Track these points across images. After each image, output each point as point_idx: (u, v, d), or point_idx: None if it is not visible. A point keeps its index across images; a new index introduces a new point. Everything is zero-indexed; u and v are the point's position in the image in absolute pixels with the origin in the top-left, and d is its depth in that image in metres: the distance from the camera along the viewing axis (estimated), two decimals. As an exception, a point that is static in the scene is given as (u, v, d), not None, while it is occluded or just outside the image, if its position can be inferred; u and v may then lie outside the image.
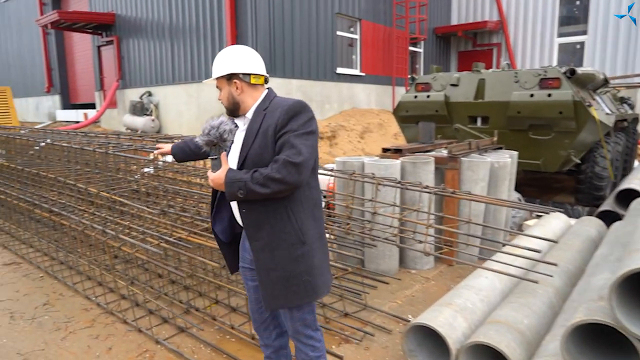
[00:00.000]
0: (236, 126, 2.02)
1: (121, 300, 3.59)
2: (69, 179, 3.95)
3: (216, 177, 1.84)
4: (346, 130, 10.35)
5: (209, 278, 3.44)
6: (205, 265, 4.05)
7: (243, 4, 10.03)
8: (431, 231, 3.58)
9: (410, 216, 4.04)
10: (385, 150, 4.71)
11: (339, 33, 12.03)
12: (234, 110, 1.97)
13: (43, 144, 5.20)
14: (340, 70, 12.08)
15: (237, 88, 1.94)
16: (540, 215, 5.66)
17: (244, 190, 1.77)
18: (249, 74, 1.95)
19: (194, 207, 3.99)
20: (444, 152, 4.78)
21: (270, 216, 1.88)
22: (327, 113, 11.61)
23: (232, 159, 1.94)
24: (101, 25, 14.13)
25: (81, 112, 15.84)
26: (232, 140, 1.94)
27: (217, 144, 1.84)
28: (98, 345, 2.98)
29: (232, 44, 10.25)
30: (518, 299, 2.78)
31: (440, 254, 3.36)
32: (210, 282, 3.47)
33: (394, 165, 4.02)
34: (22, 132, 6.67)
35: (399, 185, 3.26)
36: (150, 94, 12.93)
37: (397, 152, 4.61)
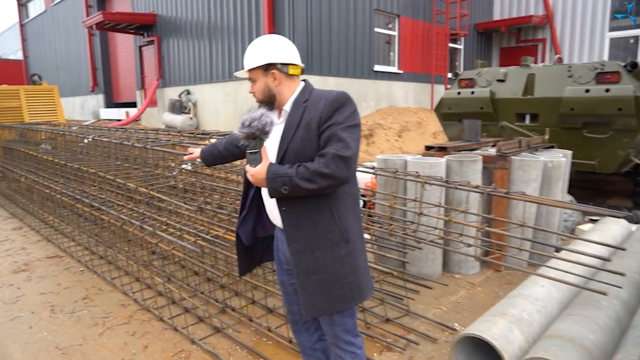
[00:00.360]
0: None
1: (158, 297, 3.56)
2: (108, 174, 3.96)
3: (257, 172, 1.72)
4: (383, 128, 10.12)
5: (245, 277, 3.34)
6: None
7: (281, 2, 9.98)
8: (480, 234, 3.35)
9: (457, 218, 3.82)
10: (428, 148, 4.50)
11: (376, 30, 11.79)
12: (269, 103, 1.86)
13: (86, 140, 5.28)
14: (377, 67, 11.85)
15: (274, 79, 1.82)
16: (594, 220, 5.28)
17: (289, 185, 1.65)
18: (287, 64, 1.84)
19: (230, 204, 3.91)
20: (491, 151, 4.52)
21: (311, 214, 1.76)
22: (364, 111, 11.41)
23: (269, 153, 1.82)
24: (143, 26, 14.47)
25: (123, 110, 16.30)
26: (271, 131, 1.81)
27: (259, 136, 1.71)
28: (134, 342, 2.94)
29: (269, 42, 10.21)
30: (581, 311, 2.53)
31: (491, 258, 3.13)
32: (246, 281, 3.38)
33: (439, 164, 3.80)
34: (74, 128, 6.84)
35: (447, 184, 3.05)
36: (188, 93, 13.12)
37: (441, 150, 4.39)
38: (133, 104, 16.67)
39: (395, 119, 10.98)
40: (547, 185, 4.12)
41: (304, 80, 1.90)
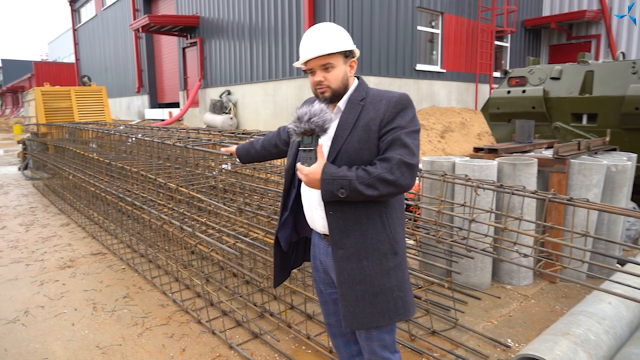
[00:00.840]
0: None
1: (196, 298, 3.52)
2: (150, 173, 3.97)
3: (312, 172, 1.58)
4: (425, 129, 9.82)
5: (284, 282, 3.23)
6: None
7: (322, 1, 9.89)
8: (536, 243, 3.10)
9: (511, 225, 3.57)
10: (477, 149, 4.25)
11: (419, 28, 11.48)
12: (340, 95, 1.68)
13: (130, 140, 5.37)
14: (419, 67, 11.54)
15: (352, 68, 1.70)
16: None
17: (347, 189, 1.53)
18: (356, 57, 1.74)
19: (270, 205, 3.83)
20: (546, 153, 4.22)
21: (361, 221, 1.64)
22: (404, 111, 11.12)
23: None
24: (186, 28, 14.79)
25: (166, 110, 16.73)
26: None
27: (316, 133, 1.56)
28: (172, 345, 2.90)
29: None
30: (657, 333, 2.26)
31: (550, 270, 2.88)
32: (285, 286, 3.27)
33: (490, 167, 3.56)
34: (120, 127, 7.01)
35: (502, 189, 2.83)
36: (229, 93, 13.27)
37: (492, 152, 4.13)
38: (176, 105, 17.08)
39: (438, 120, 10.65)
40: (609, 191, 3.79)
41: (357, 76, 1.77)
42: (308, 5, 9.98)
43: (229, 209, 3.07)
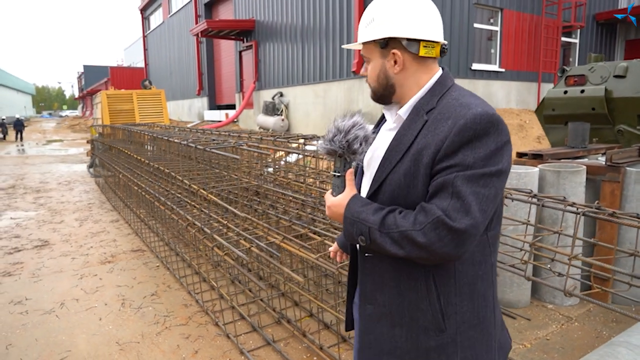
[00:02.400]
0: (379, 126, 1.35)
1: (219, 300, 3.53)
2: (178, 174, 4.06)
3: (334, 204, 1.23)
4: (479, 131, 9.33)
5: (298, 289, 3.16)
6: (305, 271, 3.81)
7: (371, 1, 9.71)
8: (578, 262, 2.79)
9: (549, 239, 3.26)
10: (520, 155, 3.93)
11: (476, 25, 10.95)
12: (384, 96, 1.26)
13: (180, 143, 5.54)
14: (476, 66, 11.00)
15: (395, 63, 1.21)
16: None
17: (367, 238, 1.14)
18: (418, 40, 1.18)
19: (296, 209, 3.77)
20: (602, 160, 3.81)
21: (401, 277, 1.21)
22: (458, 113, 10.67)
23: (365, 177, 1.30)
24: (243, 32, 15.19)
25: (223, 112, 17.29)
26: (365, 150, 1.23)
27: (343, 155, 1.21)
28: (187, 346, 2.92)
29: (360, 42, 10.04)
30: None
31: (588, 294, 2.58)
32: (301, 294, 3.20)
33: (530, 174, 3.27)
34: (175, 130, 7.30)
35: (533, 199, 2.56)
36: (281, 95, 13.45)
37: (537, 157, 3.80)
38: (233, 107, 17.61)
39: (494, 122, 10.08)
40: (674, 204, 3.34)
41: (443, 67, 1.26)
42: (358, 5, 9.85)
43: (239, 213, 3.04)
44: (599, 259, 3.03)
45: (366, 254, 1.26)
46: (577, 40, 13.53)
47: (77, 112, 61.03)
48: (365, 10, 1.26)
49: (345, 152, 1.19)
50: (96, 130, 11.92)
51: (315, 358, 2.75)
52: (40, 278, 4.12)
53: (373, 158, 1.26)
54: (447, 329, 1.19)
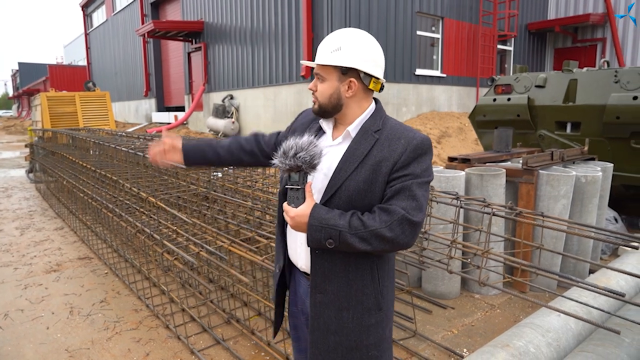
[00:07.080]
0: (318, 135, 1.55)
1: (170, 303, 3.63)
2: (127, 182, 4.10)
3: (298, 214, 1.37)
4: (422, 134, 9.84)
5: (247, 290, 3.33)
6: (253, 272, 3.97)
7: (319, 6, 9.98)
8: (498, 257, 3.15)
9: (473, 236, 3.62)
10: (451, 159, 4.30)
11: (419, 33, 11.51)
12: (329, 112, 1.48)
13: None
14: (419, 71, 11.56)
15: (349, 88, 1.44)
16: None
17: (336, 240, 1.34)
18: (371, 76, 1.45)
19: (244, 214, 3.93)
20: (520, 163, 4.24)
21: (349, 269, 1.46)
22: (404, 116, 11.17)
23: (314, 186, 1.47)
24: (191, 33, 15.02)
25: (172, 114, 16.99)
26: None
27: (304, 170, 1.37)
28: (138, 349, 3.01)
29: (308, 47, 10.26)
30: (596, 347, 2.30)
31: (507, 283, 2.93)
32: (249, 294, 3.36)
33: (457, 177, 3.61)
34: (120, 135, 7.18)
35: (454, 201, 2.88)
36: (231, 97, 13.45)
37: (465, 161, 4.18)
38: (182, 108, 17.34)
39: (436, 125, 10.66)
40: (579, 202, 3.81)
41: (375, 99, 1.54)
42: (306, 10, 10.09)
43: (187, 220, 3.18)
44: (511, 252, 3.43)
45: (316, 252, 1.47)
46: (511, 48, 14.50)
47: (12, 112, 57.24)
48: (331, 37, 1.46)
49: (306, 168, 1.36)
50: (36, 133, 11.40)
51: (263, 354, 2.93)
52: (-20, 290, 4.02)
53: (320, 167, 1.44)
54: (383, 307, 1.51)
